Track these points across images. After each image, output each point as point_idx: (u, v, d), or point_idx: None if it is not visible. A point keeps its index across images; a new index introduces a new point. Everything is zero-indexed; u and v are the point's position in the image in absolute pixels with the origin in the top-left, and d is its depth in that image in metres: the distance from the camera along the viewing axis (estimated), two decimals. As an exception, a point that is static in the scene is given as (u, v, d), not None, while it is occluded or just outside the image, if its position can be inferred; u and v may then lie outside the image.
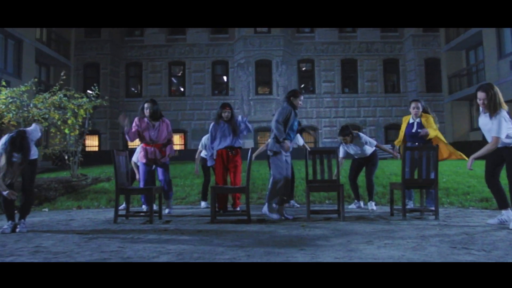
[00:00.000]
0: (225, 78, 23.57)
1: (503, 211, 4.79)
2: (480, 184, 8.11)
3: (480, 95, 4.71)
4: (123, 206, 6.62)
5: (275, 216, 5.50)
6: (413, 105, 6.33)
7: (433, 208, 5.48)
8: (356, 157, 6.82)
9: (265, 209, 5.62)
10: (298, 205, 7.30)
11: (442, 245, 3.67)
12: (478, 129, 19.68)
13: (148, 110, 6.06)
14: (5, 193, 4.65)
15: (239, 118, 6.30)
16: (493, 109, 4.63)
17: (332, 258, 3.21)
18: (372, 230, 4.56)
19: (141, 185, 6.11)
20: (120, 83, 23.33)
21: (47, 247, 3.88)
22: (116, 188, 5.38)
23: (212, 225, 5.16)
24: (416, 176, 5.62)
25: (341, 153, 6.78)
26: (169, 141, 6.26)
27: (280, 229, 4.71)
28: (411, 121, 6.36)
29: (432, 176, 5.45)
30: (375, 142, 6.75)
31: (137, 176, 6.89)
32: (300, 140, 7.48)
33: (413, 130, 6.24)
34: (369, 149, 6.66)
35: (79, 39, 22.73)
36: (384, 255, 3.27)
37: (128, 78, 23.63)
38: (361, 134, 6.69)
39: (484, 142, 4.95)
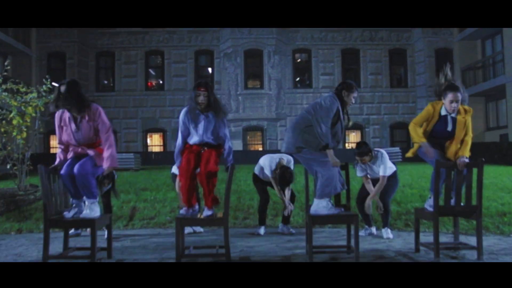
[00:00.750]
0: (210, 70, 23.70)
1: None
2: None
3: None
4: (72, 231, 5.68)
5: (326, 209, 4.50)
6: (451, 96, 4.67)
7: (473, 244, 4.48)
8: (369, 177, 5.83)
9: (315, 207, 4.58)
10: (294, 231, 6.34)
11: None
12: (495, 128, 19.11)
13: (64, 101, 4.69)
14: None
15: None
16: None
17: None
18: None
19: None
20: (90, 75, 23.12)
21: None
22: (45, 220, 4.25)
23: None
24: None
25: (359, 172, 5.86)
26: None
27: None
28: (443, 113, 4.83)
29: (475, 202, 4.42)
30: (394, 168, 5.78)
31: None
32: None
33: (448, 129, 4.79)
34: (389, 169, 5.67)
35: None
36: None
37: (98, 69, 23.49)
38: (384, 153, 5.71)
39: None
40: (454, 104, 4.59)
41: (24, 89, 9.54)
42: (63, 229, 4.86)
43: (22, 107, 9.35)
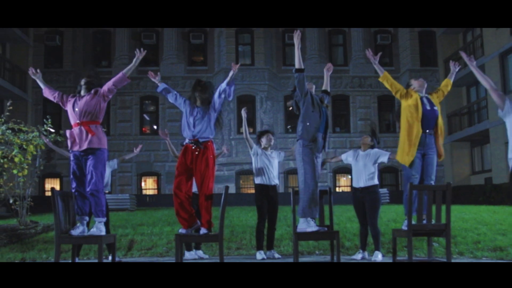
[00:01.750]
0: None
1: None
2: (491, 231, 7.89)
3: None
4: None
5: (312, 227, 4.95)
6: (421, 80, 5.77)
7: (444, 260, 5.01)
8: (355, 184, 6.57)
9: (302, 226, 5.02)
10: (280, 256, 6.82)
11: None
12: (480, 172, 19.38)
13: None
14: None
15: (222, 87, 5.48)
16: None
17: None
18: None
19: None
20: None
21: None
22: (56, 235, 4.77)
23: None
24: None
25: (344, 155, 6.75)
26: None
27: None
28: (420, 95, 5.61)
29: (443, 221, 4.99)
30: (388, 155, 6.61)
31: None
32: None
33: (429, 108, 5.50)
34: (374, 175, 6.44)
35: (38, 69, 22.40)
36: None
37: None
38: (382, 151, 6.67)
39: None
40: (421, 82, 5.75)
41: (25, 128, 10.07)
42: (71, 244, 5.36)
43: (24, 146, 9.84)
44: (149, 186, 23.47)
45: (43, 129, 10.15)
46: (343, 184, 23.82)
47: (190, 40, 23.59)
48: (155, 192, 22.71)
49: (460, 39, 22.77)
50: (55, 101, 5.61)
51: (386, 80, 5.65)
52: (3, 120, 10.01)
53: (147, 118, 23.85)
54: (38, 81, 5.81)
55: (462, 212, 11.06)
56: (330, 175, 22.49)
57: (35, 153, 9.97)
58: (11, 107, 10.92)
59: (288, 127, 23.31)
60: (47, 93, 5.68)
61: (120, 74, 5.35)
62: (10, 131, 9.67)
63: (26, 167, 9.89)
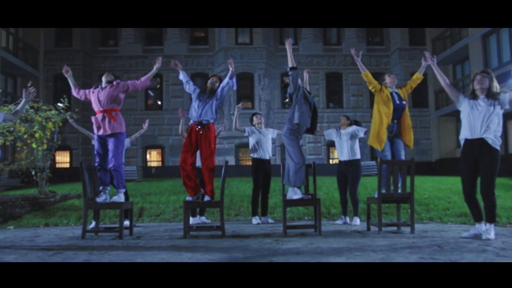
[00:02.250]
0: None
1: (477, 225, 5.07)
2: (460, 200, 8.43)
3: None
4: (93, 224, 6.67)
5: (297, 195, 5.69)
6: (392, 77, 6.57)
7: (409, 223, 5.73)
8: (339, 158, 7.33)
9: (290, 194, 5.75)
10: (273, 221, 7.53)
11: (411, 256, 3.89)
12: None
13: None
14: None
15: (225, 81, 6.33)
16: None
17: (294, 259, 3.41)
18: (345, 243, 4.78)
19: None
20: None
21: (8, 261, 3.99)
22: (84, 202, 5.52)
23: (184, 240, 5.33)
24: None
25: (325, 132, 7.60)
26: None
27: (253, 244, 4.89)
28: (391, 90, 6.39)
29: (408, 190, 5.71)
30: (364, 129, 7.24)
31: None
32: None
33: (398, 102, 6.32)
34: (357, 150, 7.21)
35: (48, 48, 22.79)
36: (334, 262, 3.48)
37: None
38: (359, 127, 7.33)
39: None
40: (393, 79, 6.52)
41: (44, 107, 10.67)
42: (96, 209, 6.10)
43: (43, 122, 10.46)
44: (153, 158, 23.92)
45: (60, 107, 10.74)
46: (336, 156, 24.26)
47: (192, 20, 23.77)
48: (159, 164, 23.14)
49: (451, 74, 22.91)
50: (82, 99, 6.35)
51: (366, 76, 6.37)
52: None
53: (152, 94, 24.08)
54: (69, 79, 6.44)
55: (440, 183, 11.78)
56: (324, 148, 23.04)
57: (53, 129, 10.61)
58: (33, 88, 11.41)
59: (286, 101, 23.60)
60: (75, 92, 6.37)
61: (145, 78, 6.18)
62: (32, 109, 10.27)
63: (45, 142, 10.54)
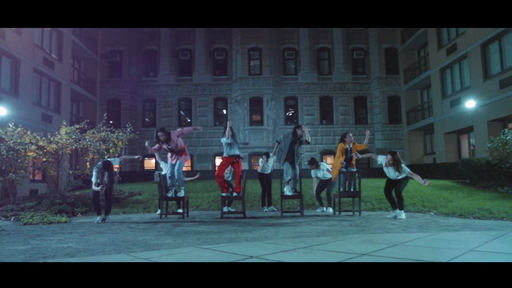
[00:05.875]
0: (224, 111, 25.11)
1: (396, 210, 7.43)
2: (423, 195, 10.58)
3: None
4: (159, 211, 8.92)
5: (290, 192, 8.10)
6: (350, 137, 8.57)
7: (357, 210, 8.07)
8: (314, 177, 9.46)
9: (284, 190, 8.13)
10: (276, 210, 9.85)
11: (351, 227, 6.24)
12: (430, 154, 20.42)
13: (162, 137, 8.14)
14: (98, 188, 7.13)
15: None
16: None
17: (285, 227, 5.79)
18: (315, 219, 7.13)
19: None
20: (138, 116, 24.89)
21: (131, 223, 6.40)
22: (160, 196, 7.92)
23: (221, 219, 7.70)
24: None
25: (313, 174, 9.53)
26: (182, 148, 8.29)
27: (263, 220, 7.26)
28: (347, 146, 8.58)
29: (357, 189, 8.04)
30: (330, 175, 9.27)
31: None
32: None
33: (350, 154, 8.58)
34: (329, 170, 9.28)
35: (103, 78, 24.48)
36: (306, 229, 5.85)
37: (144, 111, 25.19)
38: (323, 163, 9.34)
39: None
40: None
41: (117, 131, 12.90)
42: (167, 201, 8.43)
43: (115, 142, 12.73)
44: (185, 164, 25.21)
45: (127, 130, 12.98)
46: (329, 162, 25.57)
47: (215, 57, 25.37)
48: (189, 169, 24.14)
49: (416, 54, 24.66)
50: (159, 151, 8.41)
51: (339, 154, 8.59)
52: (100, 125, 12.81)
53: (183, 114, 25.40)
54: (155, 153, 8.64)
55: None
56: (318, 156, 24.62)
57: (122, 146, 12.90)
58: (106, 117, 13.44)
59: (288, 114, 25.00)
60: (154, 151, 8.38)
61: (191, 128, 8.43)
62: (109, 132, 12.53)
63: (117, 155, 12.82)
